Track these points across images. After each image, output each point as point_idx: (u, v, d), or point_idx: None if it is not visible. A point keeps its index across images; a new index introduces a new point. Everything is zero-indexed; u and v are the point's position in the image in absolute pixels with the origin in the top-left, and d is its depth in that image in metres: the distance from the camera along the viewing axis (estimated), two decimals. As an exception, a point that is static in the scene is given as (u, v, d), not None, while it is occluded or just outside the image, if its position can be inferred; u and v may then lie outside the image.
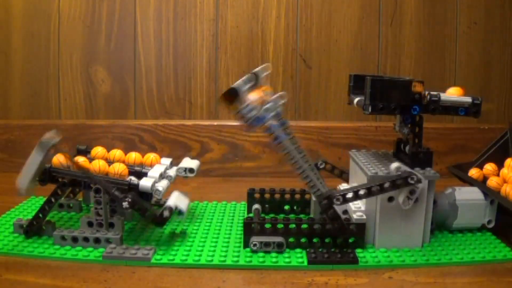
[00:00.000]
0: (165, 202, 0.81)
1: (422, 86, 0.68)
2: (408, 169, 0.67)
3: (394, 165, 0.67)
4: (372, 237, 0.70)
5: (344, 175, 0.83)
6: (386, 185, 0.65)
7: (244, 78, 0.62)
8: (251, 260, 0.65)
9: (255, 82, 0.63)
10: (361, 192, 0.66)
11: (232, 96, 0.62)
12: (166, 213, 0.67)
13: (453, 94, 0.71)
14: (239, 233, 0.74)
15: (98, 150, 0.78)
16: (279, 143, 0.65)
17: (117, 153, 0.78)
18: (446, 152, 1.13)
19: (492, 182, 0.77)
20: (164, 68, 1.14)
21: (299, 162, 0.66)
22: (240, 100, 0.62)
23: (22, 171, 0.68)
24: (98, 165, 0.71)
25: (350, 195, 0.66)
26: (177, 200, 0.71)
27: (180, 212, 0.70)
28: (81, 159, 0.74)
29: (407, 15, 1.13)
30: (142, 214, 0.67)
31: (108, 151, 0.79)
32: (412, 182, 0.65)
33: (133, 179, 0.71)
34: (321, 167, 0.82)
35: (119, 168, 0.71)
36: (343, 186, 0.79)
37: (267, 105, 0.63)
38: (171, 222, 0.79)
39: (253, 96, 0.63)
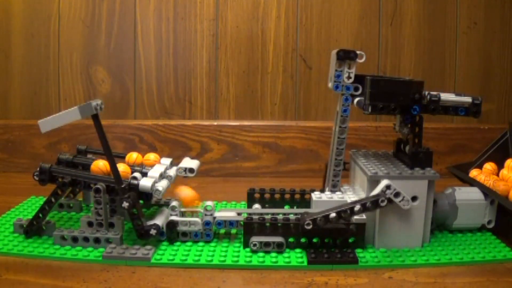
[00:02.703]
0: (165, 202, 0.82)
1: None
2: (389, 191, 0.67)
3: (384, 182, 0.67)
4: (372, 237, 0.70)
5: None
6: (356, 208, 0.66)
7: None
8: (251, 260, 0.65)
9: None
10: (332, 215, 0.66)
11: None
12: (153, 232, 0.67)
13: None
14: (239, 233, 0.74)
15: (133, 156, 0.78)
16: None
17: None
18: (446, 152, 1.13)
19: (500, 187, 0.76)
20: (164, 68, 1.14)
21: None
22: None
23: (52, 117, 0.65)
24: (97, 166, 0.71)
25: (319, 219, 0.66)
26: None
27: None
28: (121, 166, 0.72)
29: (407, 15, 1.13)
30: (132, 220, 0.66)
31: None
32: (382, 204, 0.66)
33: (138, 176, 0.70)
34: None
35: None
36: (344, 187, 0.79)
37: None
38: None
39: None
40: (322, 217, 0.65)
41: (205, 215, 0.71)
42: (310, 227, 0.66)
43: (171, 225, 0.70)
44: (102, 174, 0.71)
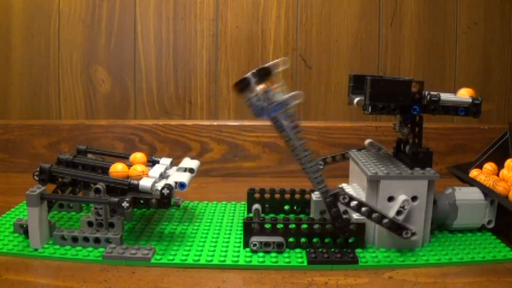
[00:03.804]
0: (175, 203, 0.82)
1: (417, 85, 0.68)
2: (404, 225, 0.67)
3: (402, 197, 0.67)
4: (372, 237, 0.70)
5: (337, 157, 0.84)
6: (385, 221, 0.66)
7: (277, 60, 0.65)
8: (251, 260, 0.65)
9: (268, 75, 0.65)
10: (363, 209, 0.66)
11: (242, 85, 0.64)
12: (165, 191, 0.67)
13: (464, 95, 0.71)
14: (239, 233, 0.74)
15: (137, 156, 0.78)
16: (299, 132, 0.66)
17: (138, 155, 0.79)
18: (446, 152, 1.13)
19: (500, 187, 0.76)
20: (164, 68, 1.14)
21: (311, 156, 0.67)
22: (249, 90, 0.64)
23: (29, 231, 0.67)
24: (116, 169, 0.71)
25: (354, 203, 0.66)
26: (176, 176, 0.72)
27: (182, 185, 0.70)
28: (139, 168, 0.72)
29: (407, 15, 1.13)
30: (147, 204, 0.67)
31: (108, 151, 0.79)
32: (406, 236, 0.66)
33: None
34: (320, 167, 0.82)
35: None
36: (344, 186, 0.79)
37: (294, 93, 0.66)
38: (171, 222, 0.79)
39: (261, 88, 0.65)
40: (348, 196, 0.66)
41: None
42: (345, 201, 0.66)
43: (244, 81, 0.64)
44: (123, 177, 0.70)
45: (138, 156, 0.77)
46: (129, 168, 0.74)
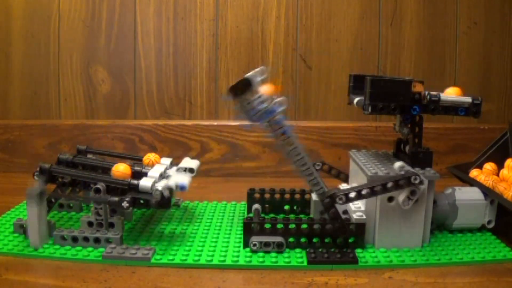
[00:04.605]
0: (175, 203, 0.83)
1: (422, 86, 0.68)
2: (411, 169, 0.67)
3: (398, 164, 0.67)
4: (372, 237, 0.70)
5: (341, 175, 0.83)
6: (389, 185, 0.66)
7: (256, 70, 0.62)
8: (250, 260, 0.65)
9: (264, 77, 0.63)
10: (364, 192, 0.66)
11: (244, 86, 0.61)
12: (166, 193, 0.67)
13: (451, 94, 0.71)
14: (239, 233, 0.74)
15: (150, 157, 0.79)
16: (288, 137, 0.65)
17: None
18: (446, 152, 1.13)
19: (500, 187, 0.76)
20: (164, 68, 1.14)
21: (304, 159, 0.66)
22: (251, 92, 0.61)
23: (28, 230, 0.67)
24: (118, 170, 0.71)
25: (352, 194, 0.66)
26: (176, 178, 0.72)
27: (182, 187, 0.70)
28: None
29: (407, 15, 1.13)
30: (147, 204, 0.67)
31: (108, 151, 0.79)
32: (415, 182, 0.65)
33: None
34: (317, 168, 0.82)
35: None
36: (344, 186, 0.79)
37: (278, 99, 0.63)
38: (171, 222, 0.79)
39: (264, 89, 0.62)
40: (355, 192, 0.66)
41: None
42: (342, 202, 0.66)
43: (247, 82, 0.61)
44: (125, 177, 0.70)
45: (151, 157, 0.79)
46: (131, 169, 0.74)
